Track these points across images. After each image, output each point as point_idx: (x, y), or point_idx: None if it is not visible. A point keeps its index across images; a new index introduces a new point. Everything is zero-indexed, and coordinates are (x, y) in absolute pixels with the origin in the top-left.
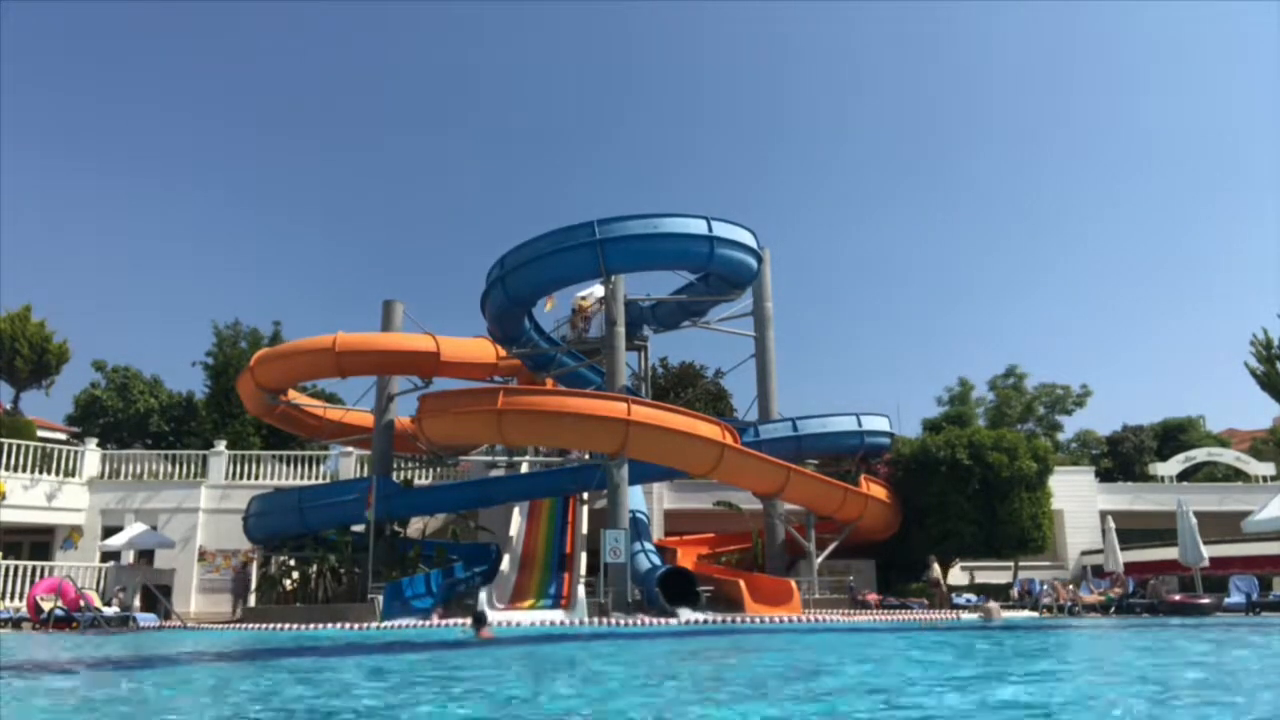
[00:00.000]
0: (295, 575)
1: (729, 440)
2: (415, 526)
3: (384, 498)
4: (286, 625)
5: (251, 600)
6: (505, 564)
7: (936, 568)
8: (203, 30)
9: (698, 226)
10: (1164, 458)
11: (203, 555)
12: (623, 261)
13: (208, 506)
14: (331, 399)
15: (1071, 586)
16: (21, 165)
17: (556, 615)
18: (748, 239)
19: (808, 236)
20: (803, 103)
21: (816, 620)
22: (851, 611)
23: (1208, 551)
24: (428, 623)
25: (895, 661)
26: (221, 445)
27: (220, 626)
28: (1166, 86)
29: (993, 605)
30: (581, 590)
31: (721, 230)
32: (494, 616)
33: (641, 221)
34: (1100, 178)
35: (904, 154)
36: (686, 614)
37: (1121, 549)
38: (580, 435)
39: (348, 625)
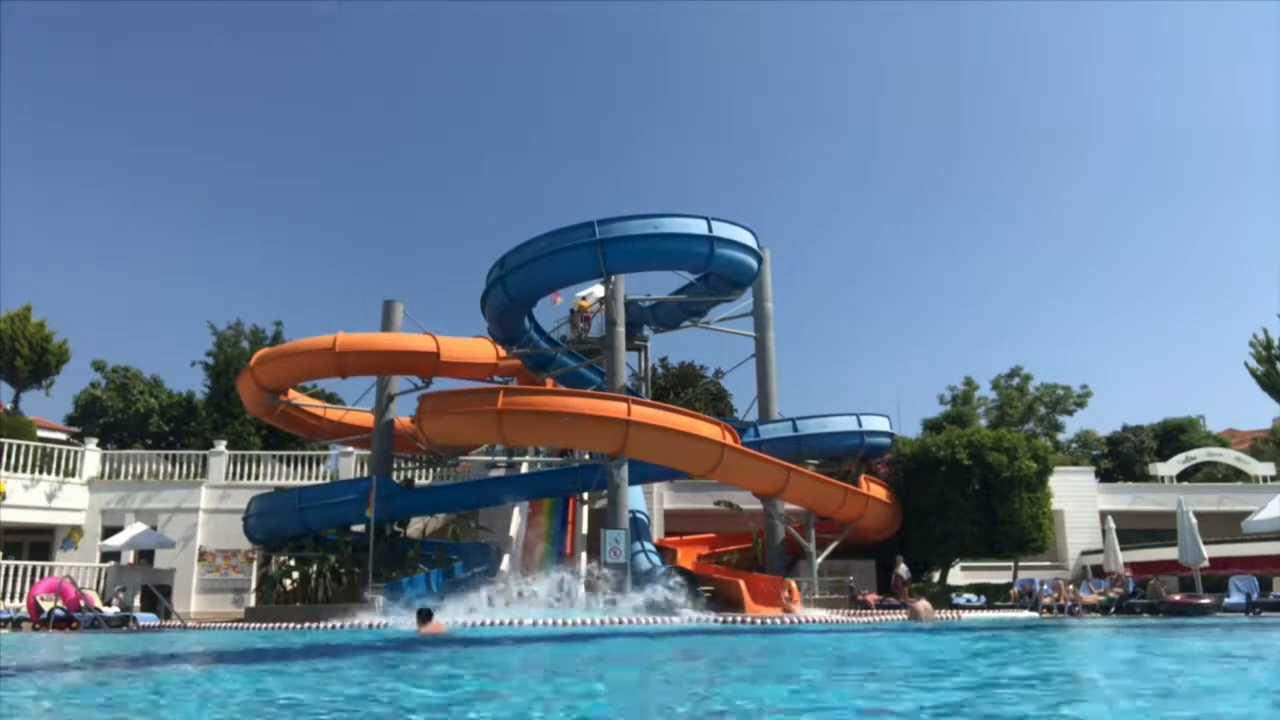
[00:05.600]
0: (295, 575)
1: (729, 440)
2: (415, 526)
3: (384, 498)
4: (287, 626)
5: (251, 600)
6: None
7: (904, 567)
8: (202, 30)
9: (698, 226)
10: (1164, 458)
11: (203, 555)
12: (623, 261)
13: (208, 506)
14: (331, 399)
15: (1072, 587)
16: (22, 165)
17: (556, 615)
18: (748, 239)
19: (810, 236)
20: (806, 103)
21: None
22: (853, 612)
23: (1208, 551)
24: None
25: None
26: (221, 445)
27: (223, 626)
28: (1167, 88)
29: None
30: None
31: (721, 230)
32: (494, 616)
33: (641, 221)
34: (1102, 179)
35: (908, 154)
36: (687, 614)
37: (1121, 549)
38: (580, 435)
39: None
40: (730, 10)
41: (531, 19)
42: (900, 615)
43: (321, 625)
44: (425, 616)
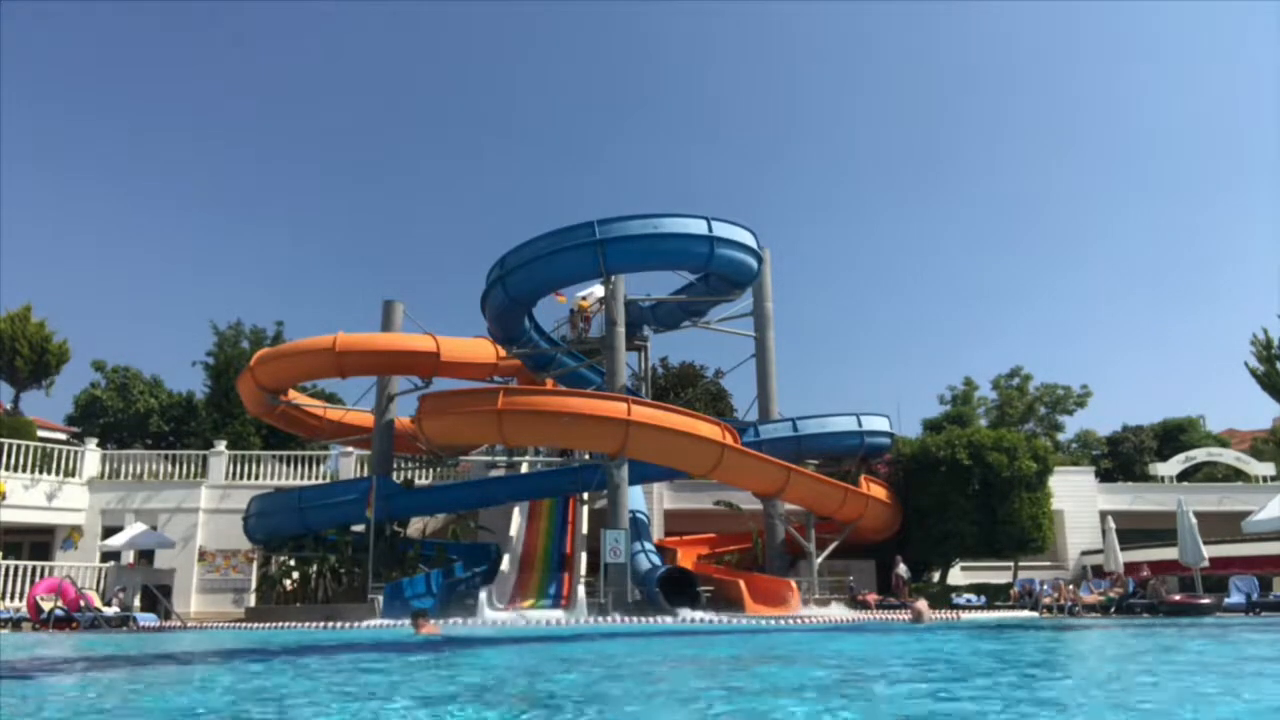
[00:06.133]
0: (295, 575)
1: (729, 440)
2: (415, 526)
3: (384, 498)
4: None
5: (251, 600)
6: (505, 564)
7: (903, 567)
8: (203, 31)
9: (698, 226)
10: (1164, 458)
11: (203, 555)
12: (623, 261)
13: (208, 506)
14: (331, 399)
15: (1072, 587)
16: (22, 166)
17: (556, 615)
18: (748, 239)
19: (809, 236)
20: (807, 102)
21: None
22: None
23: (1208, 551)
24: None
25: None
26: (221, 445)
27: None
28: (1166, 87)
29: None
30: (581, 590)
31: (721, 230)
32: (494, 616)
33: (641, 221)
34: (1101, 179)
35: (906, 155)
36: (686, 614)
37: (1121, 549)
38: (580, 435)
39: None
40: (731, 10)
41: (532, 18)
42: (903, 616)
43: (320, 625)
44: (421, 617)
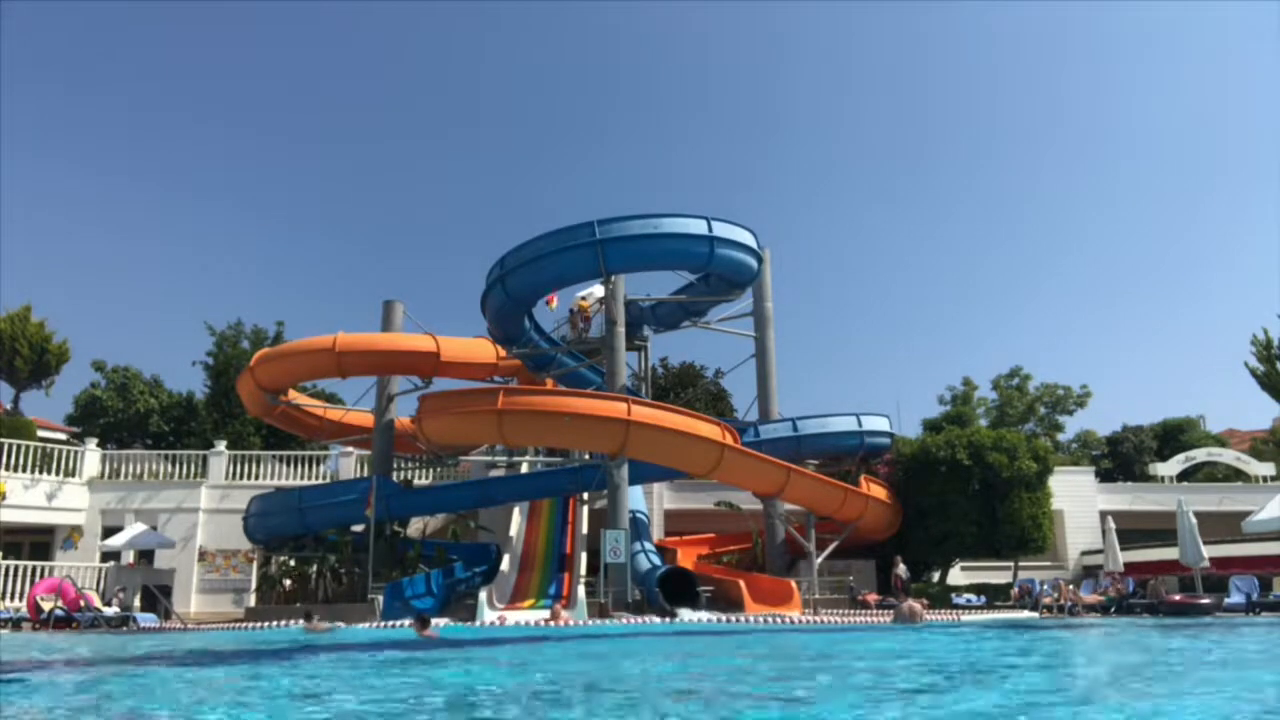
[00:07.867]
0: (295, 575)
1: (729, 440)
2: (415, 526)
3: (384, 498)
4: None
5: (251, 600)
6: (505, 564)
7: (903, 566)
8: (204, 31)
9: (698, 227)
10: (1164, 458)
11: (203, 555)
12: (623, 261)
13: (208, 506)
14: (331, 399)
15: (1072, 587)
16: (22, 165)
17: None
18: (748, 239)
19: (809, 236)
20: (804, 101)
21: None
22: (852, 612)
23: (1208, 551)
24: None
25: None
26: (221, 445)
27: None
28: (1165, 85)
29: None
30: (581, 590)
31: (721, 230)
32: (493, 616)
33: (641, 221)
34: (1100, 177)
35: (905, 153)
36: (686, 614)
37: (1121, 549)
38: (580, 435)
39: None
40: (731, 8)
41: (531, 18)
42: (884, 617)
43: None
44: (423, 621)
